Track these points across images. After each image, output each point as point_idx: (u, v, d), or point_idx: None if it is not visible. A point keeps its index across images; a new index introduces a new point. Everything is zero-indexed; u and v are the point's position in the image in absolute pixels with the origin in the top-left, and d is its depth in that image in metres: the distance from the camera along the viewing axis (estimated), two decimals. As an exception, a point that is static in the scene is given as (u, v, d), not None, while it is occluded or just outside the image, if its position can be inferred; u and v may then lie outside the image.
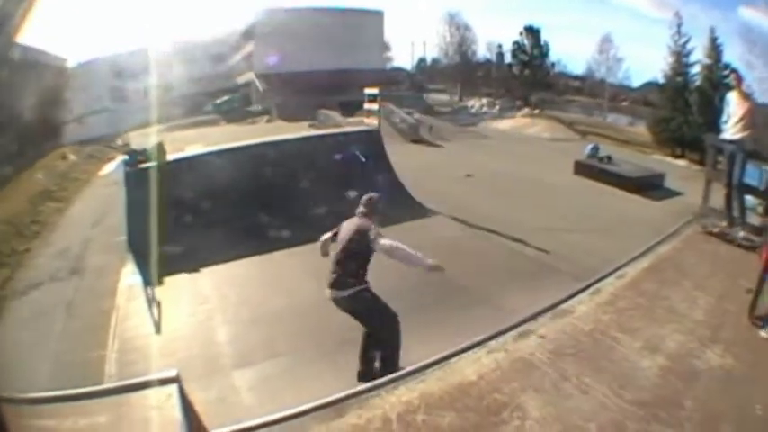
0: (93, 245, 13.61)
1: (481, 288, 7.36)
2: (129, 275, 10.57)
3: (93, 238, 14.26)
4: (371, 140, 14.94)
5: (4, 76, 23.20)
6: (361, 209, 7.10)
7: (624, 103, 35.13)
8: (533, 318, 6.80)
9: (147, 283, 9.83)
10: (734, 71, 11.31)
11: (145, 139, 15.44)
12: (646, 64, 35.02)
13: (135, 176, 11.65)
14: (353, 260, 6.76)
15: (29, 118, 24.49)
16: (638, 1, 41.34)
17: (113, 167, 23.95)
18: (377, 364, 6.73)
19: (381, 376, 6.10)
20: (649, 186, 16.60)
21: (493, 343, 6.20)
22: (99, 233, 14.48)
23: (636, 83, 35.72)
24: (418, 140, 26.12)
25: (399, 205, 12.59)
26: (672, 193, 16.06)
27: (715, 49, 28.97)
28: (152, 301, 9.36)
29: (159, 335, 8.42)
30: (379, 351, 6.78)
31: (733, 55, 29.20)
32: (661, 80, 31.58)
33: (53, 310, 10.07)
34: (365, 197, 7.28)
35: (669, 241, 10.17)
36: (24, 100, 24.88)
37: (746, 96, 10.70)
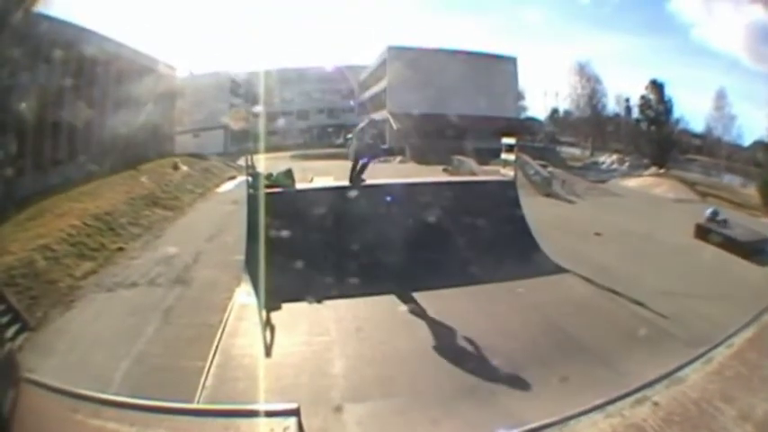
0: (206, 259, 14.03)
1: (602, 349, 7.32)
2: (243, 295, 10.83)
3: (206, 252, 14.68)
4: (507, 191, 14.90)
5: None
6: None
7: (737, 164, 34.08)
8: (650, 385, 6.77)
9: (262, 305, 10.03)
10: None
11: (270, 163, 15.72)
12: (755, 121, 34.09)
13: (259, 199, 11.88)
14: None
15: (127, 121, 25.27)
16: (738, 54, 40.31)
17: (233, 186, 24.67)
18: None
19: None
20: (758, 252, 16.25)
21: (611, 408, 6.19)
22: (213, 248, 14.92)
23: (747, 141, 34.78)
24: (550, 194, 26.11)
25: (529, 259, 12.77)
26: None
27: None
28: (266, 324, 9.55)
29: (269, 358, 8.58)
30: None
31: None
32: (766, 139, 30.65)
33: (147, 313, 10.61)
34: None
35: (774, 310, 10.01)
36: (126, 102, 25.84)
37: None
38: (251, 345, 8.98)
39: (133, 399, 5.22)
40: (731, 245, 15.98)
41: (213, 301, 10.94)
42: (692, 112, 36.31)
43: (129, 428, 4.63)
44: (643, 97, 35.80)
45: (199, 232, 16.99)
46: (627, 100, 38.37)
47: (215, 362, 8.34)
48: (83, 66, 23.46)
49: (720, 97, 34.18)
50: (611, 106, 39.65)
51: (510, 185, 15.18)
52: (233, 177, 26.89)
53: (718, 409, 6.33)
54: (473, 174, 25.12)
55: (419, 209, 12.85)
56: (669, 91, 35.50)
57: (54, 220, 15.03)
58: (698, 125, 36.97)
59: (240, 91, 34.42)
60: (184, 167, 27.40)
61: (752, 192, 29.35)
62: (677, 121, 36.29)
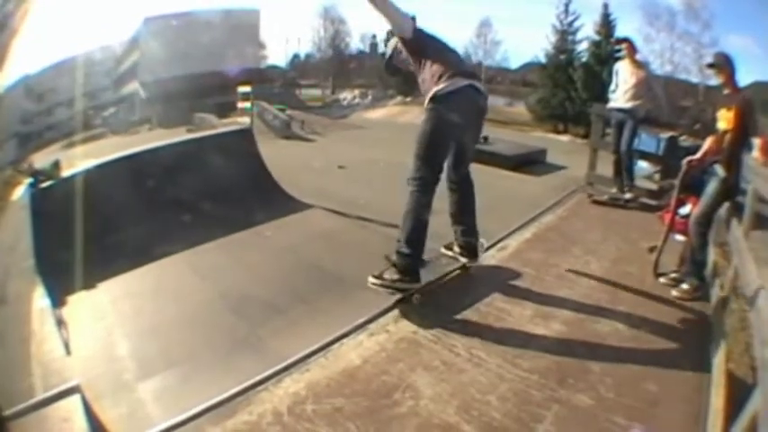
0: (12, 271, 13.41)
1: (360, 275, 7.34)
2: (40, 299, 10.35)
3: (10, 264, 14.02)
4: (244, 139, 15.16)
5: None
6: None
7: (501, 85, 35.44)
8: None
9: (54, 304, 9.72)
10: (627, 41, 11.58)
11: (46, 159, 15.28)
12: (526, 45, 35.59)
13: (37, 197, 11.64)
14: None
15: None
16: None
17: (23, 190, 23.67)
18: None
19: None
20: (530, 163, 16.93)
21: (373, 326, 6.28)
22: (15, 259, 14.24)
23: (515, 64, 36.16)
24: (290, 136, 26.57)
25: (273, 201, 12.85)
26: (554, 168, 16.41)
27: (607, 24, 29.71)
28: (60, 323, 9.24)
29: (69, 356, 8.31)
30: None
31: (628, 30, 30.04)
32: (542, 60, 32.23)
33: None
34: None
35: (553, 211, 10.41)
36: None
37: (640, 65, 11.08)
38: (57, 348, 8.63)
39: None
40: (497, 160, 16.58)
41: (23, 312, 10.45)
42: (450, 41, 37.11)
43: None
44: (389, 32, 36.38)
45: (2, 246, 16.26)
46: (373, 37, 38.98)
47: (38, 374, 8.03)
48: None
49: (484, 25, 35.39)
50: (356, 44, 40.17)
51: (246, 133, 15.69)
52: (20, 182, 25.87)
53: (503, 309, 6.81)
54: (214, 128, 24.78)
55: (160, 174, 12.90)
56: (421, 23, 36.17)
57: None
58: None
59: (29, 94, 32.86)
60: (-9, 183, 26.11)
61: (519, 110, 30.96)
62: (427, 51, 37.04)
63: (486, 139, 18.27)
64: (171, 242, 10.91)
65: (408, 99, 34.22)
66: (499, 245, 8.72)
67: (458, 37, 36.06)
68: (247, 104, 16.88)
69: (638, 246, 8.92)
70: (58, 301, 9.82)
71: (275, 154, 16.35)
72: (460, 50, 28.97)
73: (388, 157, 17.74)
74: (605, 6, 29.84)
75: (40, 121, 30.35)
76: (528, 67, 34.70)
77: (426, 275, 7.16)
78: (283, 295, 8.38)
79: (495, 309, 6.68)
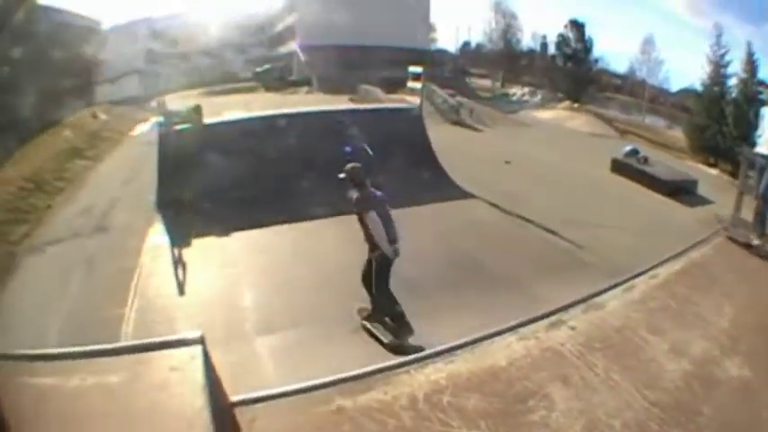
0: (122, 203, 13.58)
1: (513, 275, 7.19)
2: (156, 235, 10.58)
3: (122, 196, 14.19)
4: (412, 118, 14.78)
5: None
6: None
7: (662, 107, 34.59)
8: (565, 309, 6.71)
9: (174, 243, 9.81)
10: (766, 84, 11.20)
11: (180, 102, 15.41)
12: (684, 70, 34.55)
13: (169, 137, 11.69)
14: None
15: (56, 78, 24.55)
16: (675, 6, 40.56)
17: (146, 128, 24.06)
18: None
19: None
20: (682, 191, 16.43)
21: (525, 330, 6.10)
22: (129, 192, 14.44)
23: (674, 87, 35.26)
24: (458, 123, 25.56)
25: (436, 185, 12.48)
26: (703, 201, 15.87)
27: (751, 63, 28.78)
28: (178, 262, 9.35)
29: (182, 296, 8.44)
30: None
31: None
32: (698, 87, 31.38)
33: (72, 267, 10.05)
34: (348, 167, 7.85)
35: (700, 247, 10.05)
36: (53, 60, 25.00)
37: (782, 113, 10.72)
38: (166, 284, 8.76)
39: (56, 350, 5.03)
40: (652, 182, 16.15)
41: (130, 244, 10.59)
42: (615, 53, 36.28)
43: (47, 379, 4.45)
44: (561, 35, 35.77)
45: (115, 177, 16.52)
46: (544, 36, 38.13)
47: (134, 307, 8.15)
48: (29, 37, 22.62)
49: (648, 42, 34.60)
50: (527, 42, 39.52)
51: (415, 112, 15.33)
52: (145, 119, 26.32)
53: (645, 339, 6.37)
54: (379, 101, 24.48)
55: (321, 137, 12.71)
56: (590, 31, 35.60)
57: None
58: (621, 66, 37.18)
59: (157, 35, 33.54)
60: (103, 116, 26.64)
61: (677, 134, 30.15)
62: (596, 60, 36.39)
63: (646, 159, 17.89)
64: (318, 206, 10.91)
65: (576, 105, 33.64)
66: (651, 272, 8.51)
67: (623, 50, 35.46)
68: (418, 84, 16.75)
69: (765, 297, 8.65)
70: (178, 241, 9.91)
71: (442, 138, 16.03)
72: (625, 64, 28.69)
73: (554, 160, 17.65)
74: (749, 45, 29.03)
75: (171, 64, 30.90)
76: (685, 92, 33.87)
77: (576, 295, 7.06)
78: (430, 278, 8.23)
79: (637, 336, 6.47)
